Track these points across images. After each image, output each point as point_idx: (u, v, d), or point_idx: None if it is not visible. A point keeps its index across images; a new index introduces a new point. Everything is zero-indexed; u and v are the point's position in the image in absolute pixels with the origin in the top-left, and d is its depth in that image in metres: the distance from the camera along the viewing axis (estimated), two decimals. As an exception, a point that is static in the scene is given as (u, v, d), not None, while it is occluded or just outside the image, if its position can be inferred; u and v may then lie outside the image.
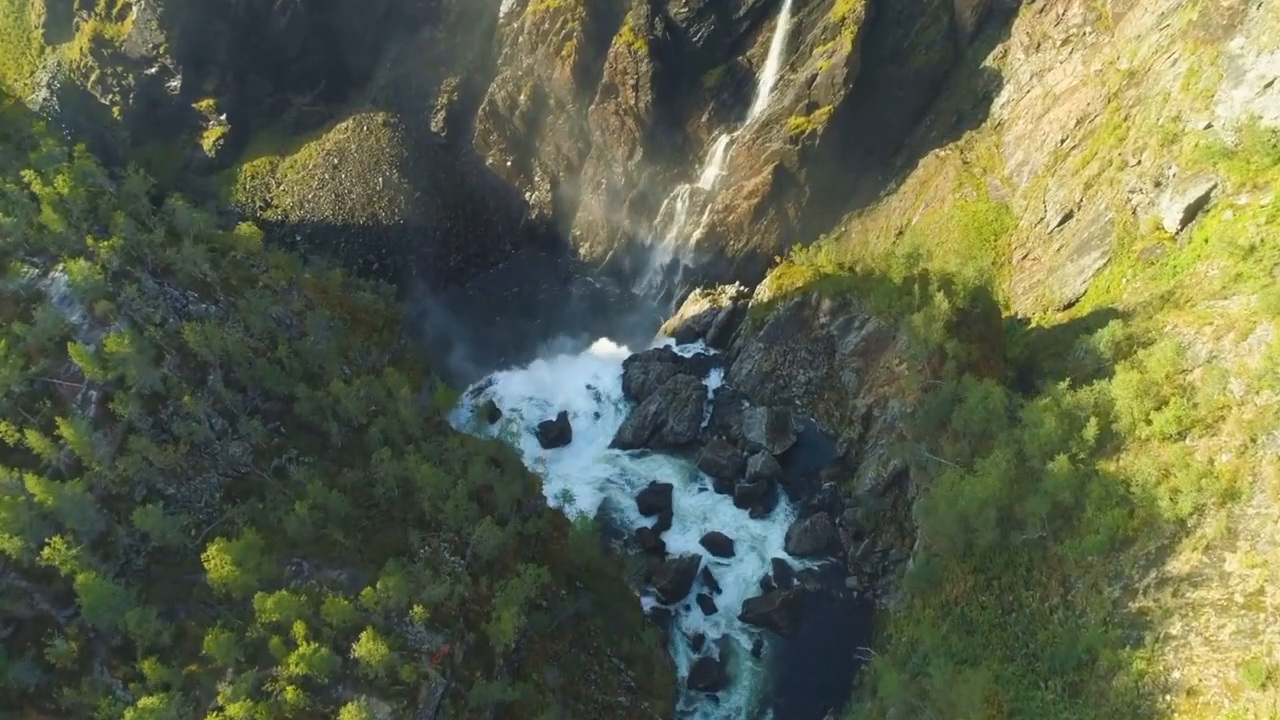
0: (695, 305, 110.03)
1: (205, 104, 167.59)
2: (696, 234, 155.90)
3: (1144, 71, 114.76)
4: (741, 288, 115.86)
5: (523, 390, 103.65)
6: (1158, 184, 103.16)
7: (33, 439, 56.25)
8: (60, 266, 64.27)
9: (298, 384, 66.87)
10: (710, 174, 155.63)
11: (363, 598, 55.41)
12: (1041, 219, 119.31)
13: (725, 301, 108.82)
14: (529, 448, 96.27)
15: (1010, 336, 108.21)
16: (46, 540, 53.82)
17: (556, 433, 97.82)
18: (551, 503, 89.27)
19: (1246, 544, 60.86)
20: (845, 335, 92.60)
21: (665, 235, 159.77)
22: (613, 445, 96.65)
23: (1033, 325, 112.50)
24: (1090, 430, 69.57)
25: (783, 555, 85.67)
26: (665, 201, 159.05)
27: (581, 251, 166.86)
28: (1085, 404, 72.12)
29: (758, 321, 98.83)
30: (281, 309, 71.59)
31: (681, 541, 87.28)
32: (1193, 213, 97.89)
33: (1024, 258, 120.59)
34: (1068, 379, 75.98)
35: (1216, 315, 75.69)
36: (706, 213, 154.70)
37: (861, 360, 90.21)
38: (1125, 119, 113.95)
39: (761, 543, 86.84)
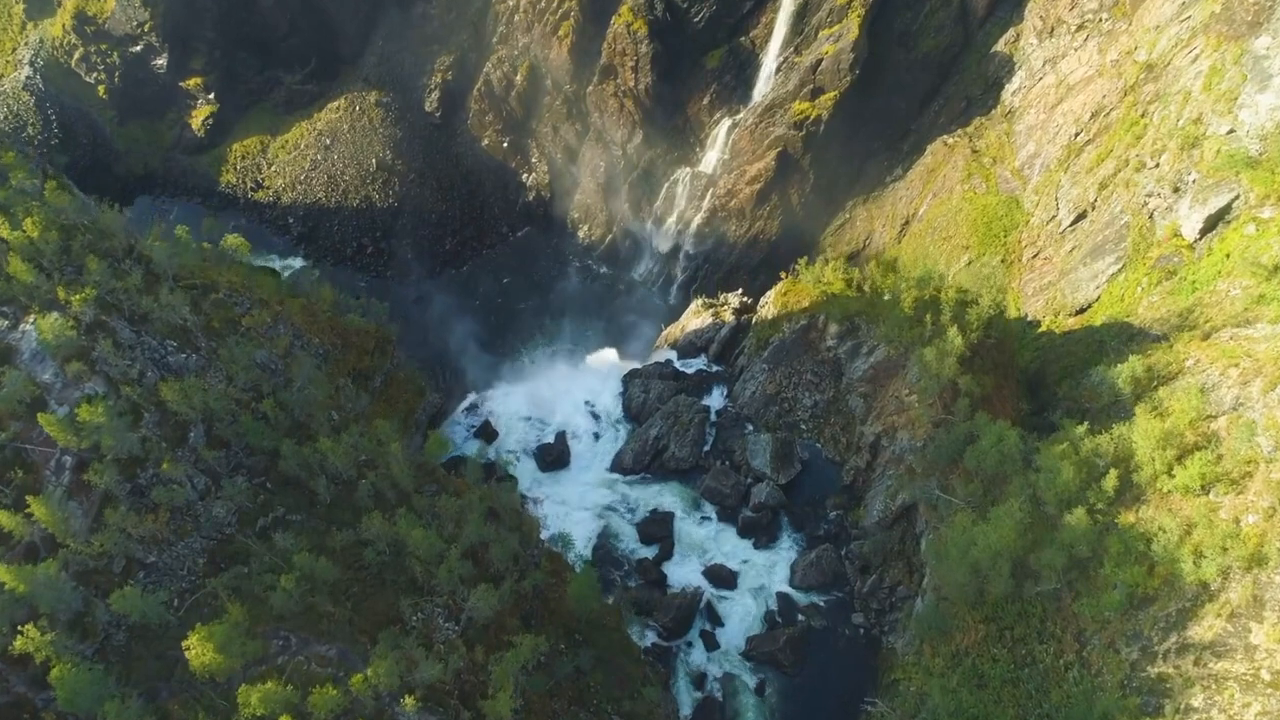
0: (697, 318, 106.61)
1: (193, 82, 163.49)
2: (697, 219, 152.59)
3: (1163, 66, 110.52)
4: (745, 298, 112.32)
5: (519, 408, 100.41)
6: (1176, 189, 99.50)
7: (3, 518, 53.55)
8: (31, 318, 61.20)
9: (283, 439, 64.01)
10: (712, 157, 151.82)
11: (352, 684, 53.02)
12: (1053, 217, 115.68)
13: (728, 316, 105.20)
14: (527, 470, 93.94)
15: (1020, 340, 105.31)
16: (20, 629, 51.36)
17: (555, 456, 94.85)
18: (550, 532, 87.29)
19: (1274, 615, 58.34)
20: (853, 360, 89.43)
21: (665, 220, 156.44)
22: (612, 469, 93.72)
23: (1043, 329, 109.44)
24: (1110, 482, 66.85)
25: (787, 589, 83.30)
26: (666, 185, 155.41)
27: (580, 234, 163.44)
28: (1104, 451, 69.28)
29: (761, 341, 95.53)
30: (265, 353, 68.47)
31: (683, 573, 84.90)
32: (1213, 223, 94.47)
33: (1034, 256, 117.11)
34: (1085, 423, 72.92)
35: (1242, 353, 72.56)
36: (708, 197, 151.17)
37: (870, 386, 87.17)
38: (1143, 115, 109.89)
39: (765, 575, 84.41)
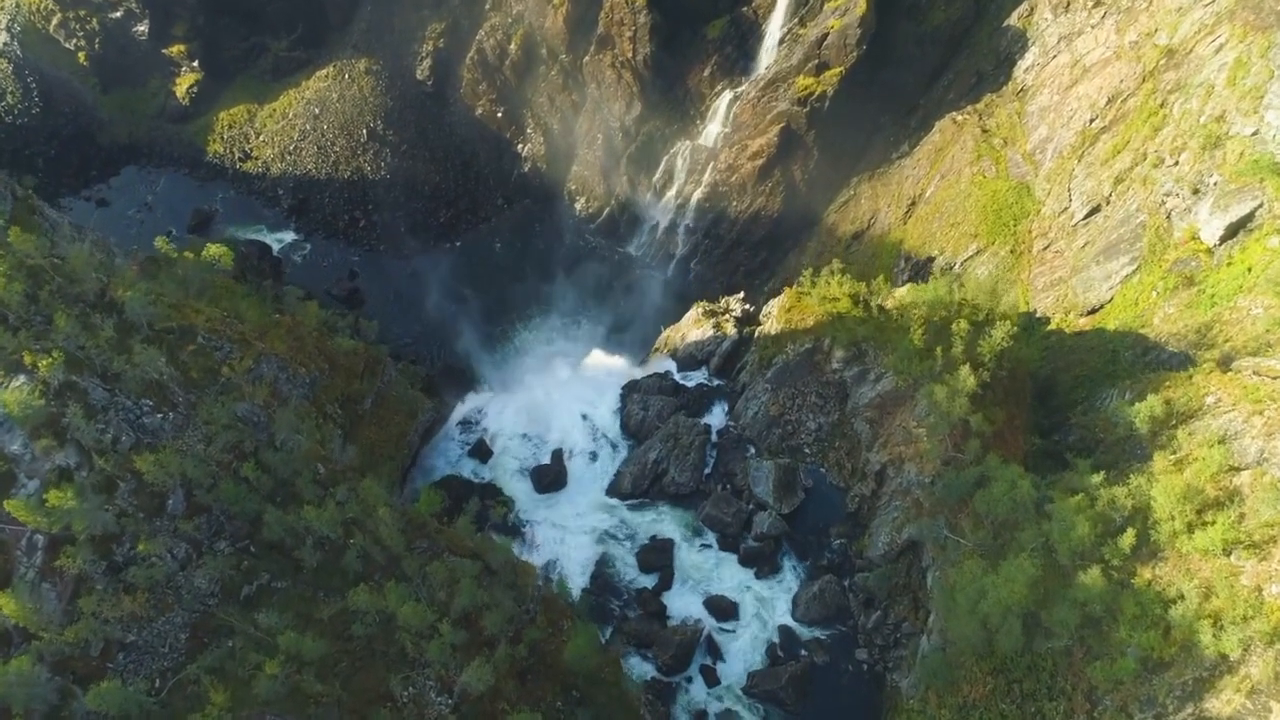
0: (698, 327, 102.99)
1: (176, 50, 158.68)
2: (697, 193, 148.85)
3: (1184, 52, 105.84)
4: (747, 305, 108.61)
5: (515, 424, 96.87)
6: (1196, 191, 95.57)
7: (-28, 612, 51.21)
8: (-3, 382, 58.20)
9: (267, 505, 61.36)
10: (713, 130, 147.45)
11: (340, 784, 51.13)
12: (1066, 208, 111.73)
13: (730, 328, 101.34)
14: (523, 491, 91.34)
15: (1029, 337, 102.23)
16: (-10, 735, 49.38)
17: (552, 477, 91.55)
18: (547, 559, 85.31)
19: (1296, 696, 56.32)
20: (859, 386, 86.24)
21: (665, 193, 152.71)
22: (610, 492, 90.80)
23: (1053, 326, 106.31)
24: (1127, 540, 64.34)
25: (790, 622, 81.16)
26: (665, 158, 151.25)
27: (577, 206, 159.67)
28: (1121, 505, 66.64)
29: (765, 360, 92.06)
30: (247, 405, 65.41)
31: (683, 604, 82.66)
32: (1234, 231, 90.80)
33: (1045, 248, 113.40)
34: (1101, 473, 70.01)
35: (1266, 395, 69.45)
36: (708, 172, 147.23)
37: (876, 413, 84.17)
38: (1162, 105, 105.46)
39: (767, 606, 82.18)
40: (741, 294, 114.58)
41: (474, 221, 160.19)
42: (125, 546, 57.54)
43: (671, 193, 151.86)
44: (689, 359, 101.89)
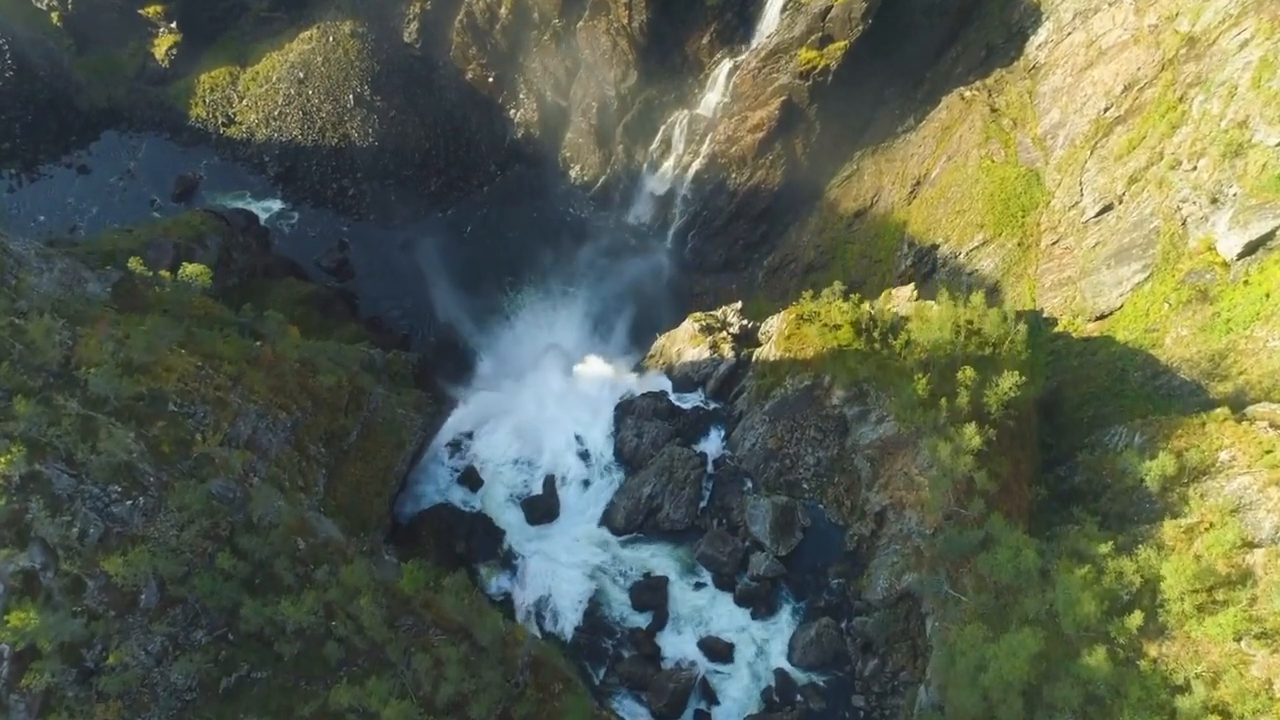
0: (695, 346, 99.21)
1: (152, 10, 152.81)
2: (696, 164, 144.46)
3: (1206, 43, 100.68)
4: (745, 322, 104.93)
5: (505, 449, 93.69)
6: (1214, 201, 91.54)
7: (-66, 744, 49.41)
8: (-45, 480, 55.50)
9: (244, 596, 59.15)
10: (711, 100, 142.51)
11: None
12: (1077, 203, 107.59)
13: (727, 351, 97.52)
14: (514, 522, 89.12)
15: (1034, 339, 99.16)
16: None
17: (544, 509, 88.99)
18: (537, 596, 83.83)
19: (1305, 805, 54.83)
20: (860, 425, 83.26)
21: (662, 164, 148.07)
22: (602, 524, 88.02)
23: (1060, 329, 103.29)
24: (1134, 621, 62.26)
25: (786, 666, 79.51)
26: (662, 127, 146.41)
27: (571, 174, 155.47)
28: (1129, 580, 64.42)
29: (763, 390, 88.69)
30: (222, 483, 62.74)
31: (678, 644, 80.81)
32: (1253, 248, 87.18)
33: (1054, 243, 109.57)
34: (1110, 541, 67.57)
35: (1283, 454, 67.00)
36: (707, 142, 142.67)
37: (878, 452, 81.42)
38: (1180, 99, 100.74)
39: (764, 648, 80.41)
40: (739, 304, 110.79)
41: (465, 190, 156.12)
42: (96, 649, 55.51)
43: (669, 163, 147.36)
44: (685, 379, 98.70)
